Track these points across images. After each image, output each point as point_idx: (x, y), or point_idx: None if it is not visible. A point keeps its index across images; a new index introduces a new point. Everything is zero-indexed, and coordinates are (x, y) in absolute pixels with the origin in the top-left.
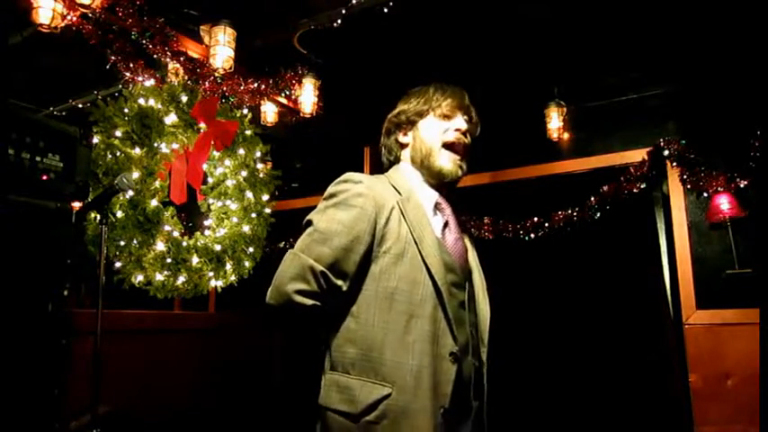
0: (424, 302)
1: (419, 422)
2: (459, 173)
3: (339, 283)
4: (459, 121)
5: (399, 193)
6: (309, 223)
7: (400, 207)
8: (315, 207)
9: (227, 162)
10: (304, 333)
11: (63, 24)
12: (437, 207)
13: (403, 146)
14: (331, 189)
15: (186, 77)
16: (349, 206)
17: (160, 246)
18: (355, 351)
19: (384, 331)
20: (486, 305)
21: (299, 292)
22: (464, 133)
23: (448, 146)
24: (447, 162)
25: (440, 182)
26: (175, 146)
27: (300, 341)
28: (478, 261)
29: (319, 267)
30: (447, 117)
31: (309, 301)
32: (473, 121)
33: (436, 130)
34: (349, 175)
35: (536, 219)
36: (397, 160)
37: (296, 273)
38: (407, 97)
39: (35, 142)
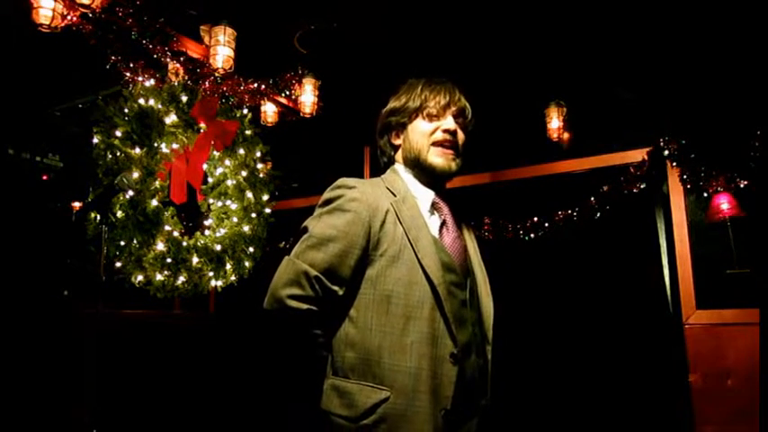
0: (422, 304)
1: (418, 426)
2: (453, 167)
3: (335, 288)
4: (448, 122)
5: (394, 194)
6: (305, 229)
7: (395, 209)
8: (315, 207)
9: (227, 162)
10: (299, 340)
11: (63, 24)
12: (434, 206)
13: (395, 147)
14: (326, 195)
15: (186, 77)
16: (343, 211)
17: (160, 246)
18: (354, 355)
19: (381, 334)
20: (489, 301)
21: (293, 297)
22: (453, 132)
23: (437, 144)
24: (438, 158)
25: (434, 179)
26: (175, 146)
27: (297, 348)
28: (480, 257)
29: (313, 272)
30: (435, 117)
31: (304, 306)
32: (465, 115)
33: (425, 131)
34: (342, 180)
35: (536, 219)
36: (391, 161)
37: (290, 278)
38: (398, 93)
39: (35, 142)
